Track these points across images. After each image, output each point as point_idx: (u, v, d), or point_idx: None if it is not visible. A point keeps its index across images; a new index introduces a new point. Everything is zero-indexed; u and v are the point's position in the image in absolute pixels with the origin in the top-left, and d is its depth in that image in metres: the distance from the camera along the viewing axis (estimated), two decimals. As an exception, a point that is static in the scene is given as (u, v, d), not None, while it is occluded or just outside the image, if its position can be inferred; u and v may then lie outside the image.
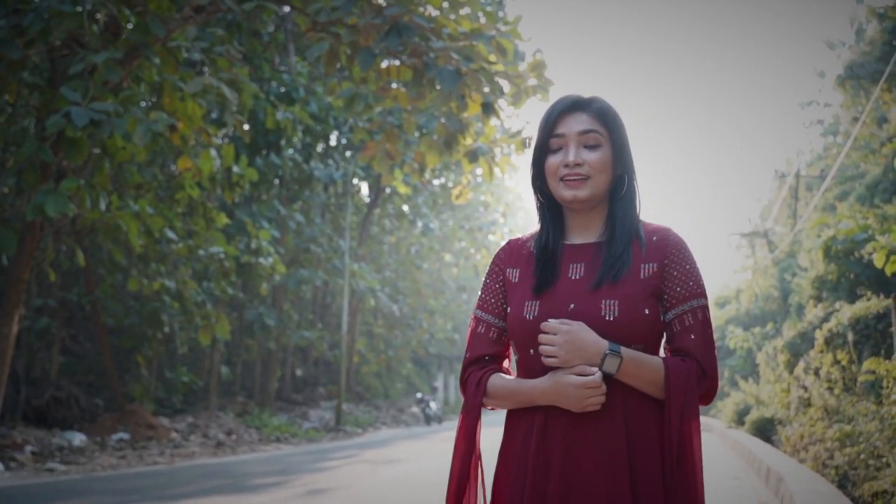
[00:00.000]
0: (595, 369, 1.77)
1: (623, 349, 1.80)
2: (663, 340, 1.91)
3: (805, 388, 11.87)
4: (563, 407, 1.81)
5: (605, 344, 1.79)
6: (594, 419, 1.81)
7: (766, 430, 13.54)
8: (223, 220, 15.76)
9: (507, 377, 1.95)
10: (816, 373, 11.58)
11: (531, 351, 1.88)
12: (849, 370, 10.24)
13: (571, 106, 1.92)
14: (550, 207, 1.97)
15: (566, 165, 1.88)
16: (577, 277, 1.89)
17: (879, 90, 17.84)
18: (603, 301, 1.83)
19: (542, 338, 1.82)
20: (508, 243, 2.05)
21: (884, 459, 6.56)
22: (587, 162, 1.87)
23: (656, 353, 1.89)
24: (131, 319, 17.82)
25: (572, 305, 1.85)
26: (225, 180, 15.42)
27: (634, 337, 1.82)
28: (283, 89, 17.64)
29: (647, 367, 1.81)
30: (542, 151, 1.93)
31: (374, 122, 13.71)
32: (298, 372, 30.01)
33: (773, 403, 14.25)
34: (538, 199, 1.98)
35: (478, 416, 1.95)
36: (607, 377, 1.80)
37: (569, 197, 1.89)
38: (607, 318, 1.81)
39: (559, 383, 1.80)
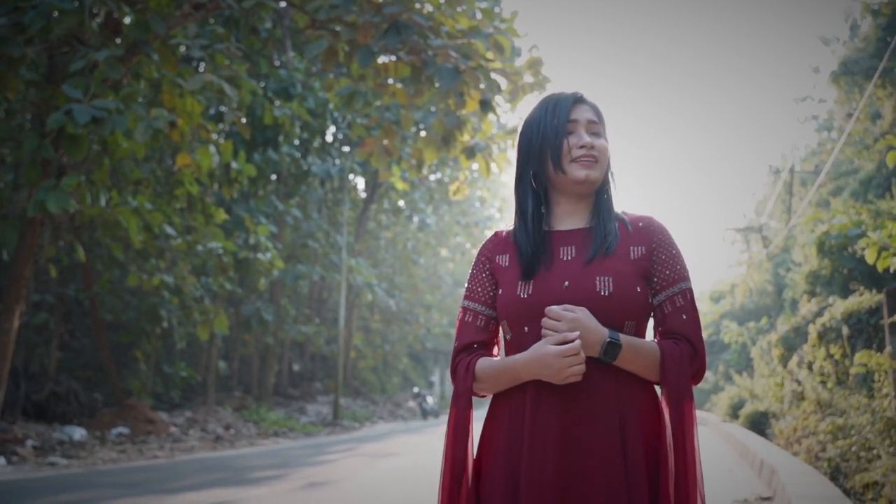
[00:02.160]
0: (575, 333, 1.83)
1: (622, 337, 1.87)
2: (652, 322, 2.00)
3: (798, 382, 12.00)
4: (545, 379, 1.86)
5: (605, 332, 1.86)
6: (588, 402, 1.89)
7: (759, 424, 13.68)
8: (222, 215, 15.81)
9: (493, 359, 2.00)
10: (810, 367, 11.72)
11: (525, 328, 1.94)
12: (841, 364, 10.37)
13: (579, 98, 2.08)
14: (536, 197, 2.06)
15: (582, 146, 1.99)
16: (569, 258, 1.98)
17: (873, 86, 17.95)
18: (597, 277, 1.92)
19: (545, 322, 1.88)
20: (495, 234, 2.14)
21: (875, 451, 6.68)
22: (596, 146, 2.01)
23: (645, 331, 1.99)
24: (129, 315, 17.89)
25: (567, 283, 1.93)
26: (223, 176, 15.49)
27: (628, 313, 1.91)
28: (280, 85, 17.69)
29: (643, 353, 1.90)
30: (557, 134, 2.01)
31: (372, 118, 13.79)
32: (295, 367, 30.10)
33: (767, 397, 14.38)
34: (532, 185, 2.06)
35: (469, 404, 2.00)
36: (605, 364, 1.88)
37: (582, 176, 1.99)
38: (602, 293, 1.90)
39: (538, 352, 1.85)
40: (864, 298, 10.44)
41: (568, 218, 2.06)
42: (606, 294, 1.90)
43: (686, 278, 1.99)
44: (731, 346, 24.53)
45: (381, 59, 11.60)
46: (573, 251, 2.00)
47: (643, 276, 1.96)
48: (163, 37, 10.50)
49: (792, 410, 11.37)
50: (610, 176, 2.07)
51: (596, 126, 2.04)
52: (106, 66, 9.61)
